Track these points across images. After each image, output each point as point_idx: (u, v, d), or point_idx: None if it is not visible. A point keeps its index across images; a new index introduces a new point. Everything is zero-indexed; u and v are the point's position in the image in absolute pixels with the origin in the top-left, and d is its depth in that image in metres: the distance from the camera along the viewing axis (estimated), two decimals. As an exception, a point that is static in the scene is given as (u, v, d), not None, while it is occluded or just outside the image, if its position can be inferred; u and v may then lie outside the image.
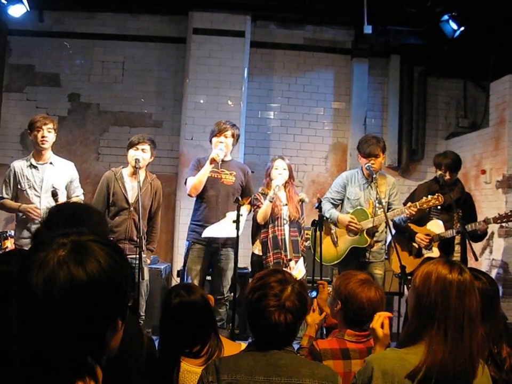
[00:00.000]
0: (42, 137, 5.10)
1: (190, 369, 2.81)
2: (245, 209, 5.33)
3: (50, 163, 5.26)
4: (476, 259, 5.25)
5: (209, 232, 5.17)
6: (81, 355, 1.19)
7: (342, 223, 5.48)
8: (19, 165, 5.20)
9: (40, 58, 7.91)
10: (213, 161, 5.21)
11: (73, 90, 7.93)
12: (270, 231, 5.43)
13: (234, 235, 4.88)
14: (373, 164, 5.41)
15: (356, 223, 5.39)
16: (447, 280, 2.14)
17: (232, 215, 5.12)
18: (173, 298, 2.92)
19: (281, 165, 5.55)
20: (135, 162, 5.09)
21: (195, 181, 5.25)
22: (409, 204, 5.24)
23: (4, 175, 5.33)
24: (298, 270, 5.28)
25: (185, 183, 5.44)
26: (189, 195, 5.36)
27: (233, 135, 5.43)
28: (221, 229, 5.10)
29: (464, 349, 2.09)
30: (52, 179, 5.17)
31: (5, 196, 5.16)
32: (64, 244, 1.22)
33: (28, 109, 7.75)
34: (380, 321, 2.55)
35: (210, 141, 5.48)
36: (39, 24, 7.76)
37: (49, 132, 5.14)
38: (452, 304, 2.12)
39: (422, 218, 5.48)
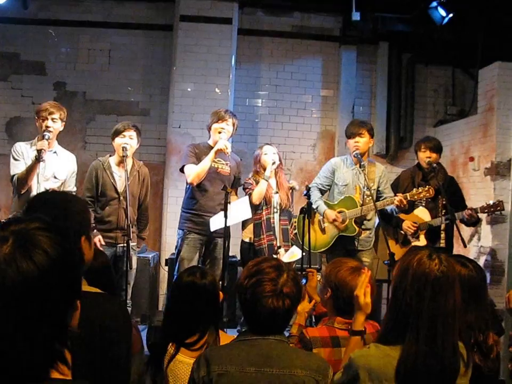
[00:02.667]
0: (47, 127, 4.96)
1: (183, 360, 2.78)
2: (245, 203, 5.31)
3: (54, 152, 5.14)
4: (465, 246, 5.26)
5: (217, 224, 5.08)
6: (48, 343, 1.17)
7: (327, 218, 5.46)
8: (24, 147, 5.05)
9: (25, 46, 7.80)
10: (219, 151, 5.17)
11: (59, 78, 7.84)
12: (264, 213, 5.44)
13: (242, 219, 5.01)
14: (357, 142, 5.38)
15: (340, 223, 5.38)
16: (421, 282, 2.13)
17: (236, 203, 5.15)
18: (185, 276, 3.00)
19: (270, 150, 5.57)
20: (123, 150, 5.03)
21: (199, 170, 5.16)
22: (399, 195, 5.20)
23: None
24: (292, 254, 5.28)
25: (181, 170, 5.36)
26: (190, 183, 5.24)
27: (233, 124, 5.41)
28: (229, 217, 4.93)
29: (436, 352, 2.09)
30: (54, 168, 5.07)
31: (17, 171, 4.96)
32: (6, 238, 1.16)
33: (13, 98, 7.67)
34: (363, 288, 2.55)
35: (210, 128, 5.40)
36: (23, 11, 7.65)
37: (54, 121, 5.00)
38: (425, 308, 2.11)
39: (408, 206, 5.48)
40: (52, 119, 5.00)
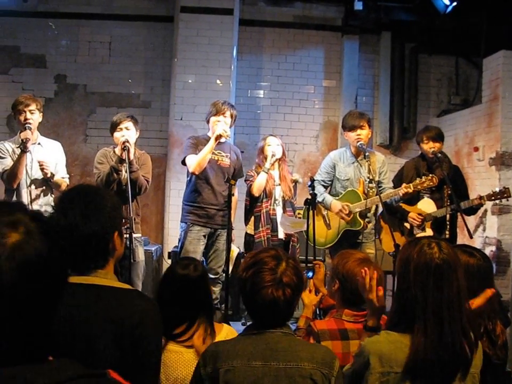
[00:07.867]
0: (25, 119, 4.96)
1: (173, 349, 2.75)
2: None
3: (39, 143, 5.13)
4: (471, 237, 5.19)
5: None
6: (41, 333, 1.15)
7: (333, 209, 5.38)
8: (8, 145, 5.07)
9: (25, 39, 7.76)
10: (219, 137, 5.10)
11: (60, 71, 7.80)
12: (263, 205, 5.43)
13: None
14: (359, 135, 5.29)
15: (346, 214, 5.27)
16: (424, 272, 2.12)
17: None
18: (180, 269, 2.91)
19: (274, 141, 5.54)
20: (123, 144, 4.94)
21: (199, 158, 5.12)
22: (404, 185, 5.12)
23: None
24: (297, 222, 5.34)
25: (183, 162, 5.33)
26: (193, 173, 5.20)
27: (231, 116, 5.36)
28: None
29: (445, 341, 2.08)
30: (40, 159, 5.04)
31: (4, 168, 4.98)
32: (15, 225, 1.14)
33: (13, 91, 7.59)
34: (374, 291, 2.49)
35: (208, 121, 5.38)
36: (23, 4, 7.60)
37: (32, 113, 4.99)
38: (430, 297, 2.10)
39: (412, 197, 5.40)
40: (29, 111, 4.99)
